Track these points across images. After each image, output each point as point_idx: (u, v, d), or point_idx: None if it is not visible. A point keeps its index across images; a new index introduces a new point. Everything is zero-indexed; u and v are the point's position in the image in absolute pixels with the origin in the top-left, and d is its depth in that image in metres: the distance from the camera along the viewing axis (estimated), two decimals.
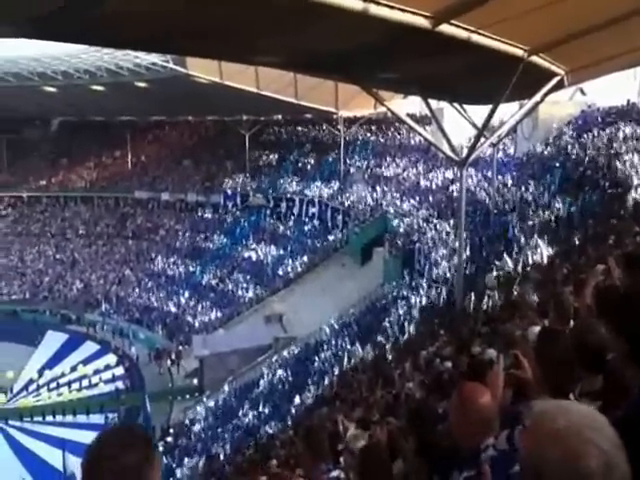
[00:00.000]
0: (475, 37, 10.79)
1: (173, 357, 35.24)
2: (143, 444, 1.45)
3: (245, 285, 39.89)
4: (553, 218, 19.70)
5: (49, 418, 30.16)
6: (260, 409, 23.34)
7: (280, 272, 38.83)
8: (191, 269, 44.65)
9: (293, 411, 20.54)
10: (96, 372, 34.77)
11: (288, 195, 43.41)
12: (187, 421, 27.61)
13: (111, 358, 36.99)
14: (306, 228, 41.31)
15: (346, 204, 38.38)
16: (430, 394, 7.06)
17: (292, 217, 42.70)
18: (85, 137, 57.11)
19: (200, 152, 52.60)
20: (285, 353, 28.19)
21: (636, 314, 2.28)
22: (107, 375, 34.51)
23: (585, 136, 24.95)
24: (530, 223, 20.16)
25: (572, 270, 10.27)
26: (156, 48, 19.15)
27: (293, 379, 24.56)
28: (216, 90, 34.80)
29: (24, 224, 55.18)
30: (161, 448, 23.36)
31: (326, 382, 21.12)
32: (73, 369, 35.08)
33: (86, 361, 36.09)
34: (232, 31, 10.14)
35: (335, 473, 4.77)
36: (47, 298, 48.19)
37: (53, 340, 39.57)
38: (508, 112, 19.69)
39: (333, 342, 25.08)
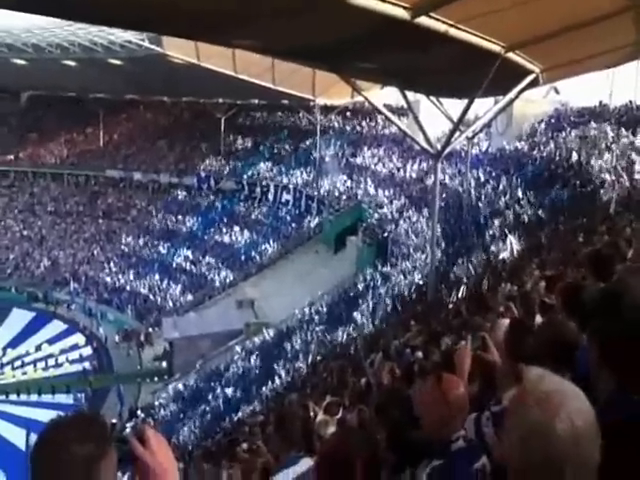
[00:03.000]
0: (453, 31, 10.90)
1: (142, 339, 35.01)
2: (98, 436, 1.33)
3: (217, 269, 39.75)
4: (524, 214, 20.04)
5: (13, 397, 29.76)
6: (230, 394, 23.39)
7: (253, 257, 38.76)
8: (163, 251, 44.27)
9: (263, 397, 20.63)
10: (63, 352, 34.32)
11: (263, 181, 43.24)
12: (155, 404, 27.52)
13: (79, 338, 36.57)
14: (280, 214, 41.25)
15: (321, 192, 38.41)
16: (400, 383, 7.20)
17: (266, 203, 42.57)
18: (56, 112, 55.91)
19: (175, 133, 51.96)
20: (256, 339, 28.24)
21: (606, 314, 2.38)
22: (74, 355, 34.12)
23: (558, 134, 25.36)
24: (501, 218, 20.48)
25: (541, 266, 10.52)
26: (133, 27, 18.86)
27: (264, 365, 24.64)
28: (192, 71, 34.31)
29: None
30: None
31: (297, 369, 21.25)
32: (38, 348, 34.57)
33: (52, 340, 35.62)
34: (211, 14, 10.07)
35: (304, 461, 4.84)
36: (13, 275, 47.34)
37: (18, 318, 38.85)
38: (484, 107, 19.88)
39: (305, 329, 25.20)
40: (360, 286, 26.18)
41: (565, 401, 1.24)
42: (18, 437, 23.46)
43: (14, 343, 35.36)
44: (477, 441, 2.61)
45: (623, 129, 21.88)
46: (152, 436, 1.40)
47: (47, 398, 29.24)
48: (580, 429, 1.21)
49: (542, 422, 1.21)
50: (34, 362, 33.39)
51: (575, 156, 21.46)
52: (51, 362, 33.44)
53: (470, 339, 4.31)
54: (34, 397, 29.59)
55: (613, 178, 17.38)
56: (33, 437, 21.82)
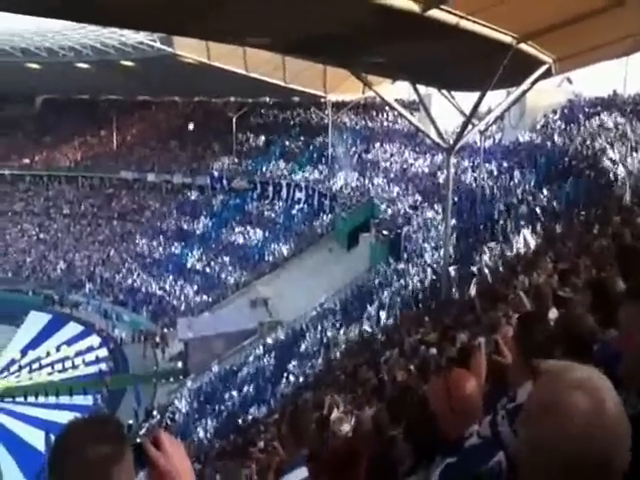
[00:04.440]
0: (464, 23, 10.78)
1: (157, 340, 35.17)
2: (114, 439, 1.33)
3: (231, 268, 39.82)
4: (538, 206, 19.82)
5: (31, 399, 30.01)
6: (245, 393, 23.40)
7: (266, 256, 38.78)
8: (176, 251, 44.44)
9: (278, 395, 20.62)
10: (79, 353, 34.59)
11: (275, 179, 43.24)
12: (171, 404, 27.62)
13: (95, 339, 36.82)
14: (293, 212, 41.22)
15: (333, 189, 38.33)
16: (415, 380, 7.12)
17: (279, 201, 42.56)
18: (70, 115, 56.32)
19: (187, 133, 52.12)
20: (270, 337, 28.23)
21: None
22: (90, 357, 34.35)
23: (571, 125, 25.06)
24: (515, 212, 20.27)
25: (555, 258, 10.37)
26: (144, 27, 18.92)
27: (278, 363, 24.63)
28: (204, 71, 34.41)
29: (6, 202, 54.44)
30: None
31: (311, 367, 21.21)
32: (56, 350, 34.87)
33: (69, 342, 35.90)
34: (221, 11, 10.04)
35: None
36: (30, 278, 47.78)
37: (36, 320, 39.26)
38: (496, 100, 19.67)
39: (319, 327, 25.15)
40: (373, 283, 26.08)
41: (606, 387, 1.11)
42: (37, 439, 23.67)
43: (32, 345, 35.70)
44: (492, 438, 2.54)
45: (636, 118, 21.56)
46: (167, 440, 1.39)
47: (65, 400, 29.47)
48: (625, 420, 1.09)
49: (589, 410, 1.07)
50: (51, 364, 33.69)
51: (589, 147, 21.18)
52: (68, 364, 33.70)
53: (484, 344, 4.25)
54: (52, 399, 29.81)
55: (628, 169, 17.11)
56: (52, 439, 22.05)
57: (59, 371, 33.16)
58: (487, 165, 26.35)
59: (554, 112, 27.78)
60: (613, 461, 1.07)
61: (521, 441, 1.17)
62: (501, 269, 14.98)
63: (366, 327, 20.93)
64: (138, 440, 1.37)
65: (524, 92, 17.99)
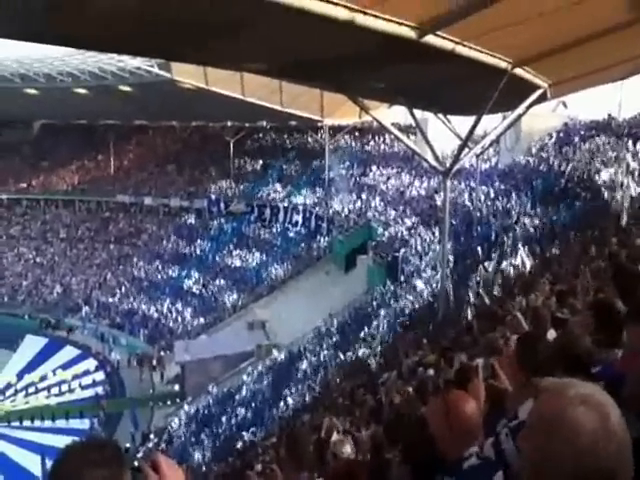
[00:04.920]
0: (460, 48, 10.93)
1: (154, 363, 34.94)
2: (112, 462, 1.32)
3: (228, 291, 39.74)
4: (534, 228, 19.92)
5: (27, 423, 29.73)
6: (242, 415, 23.22)
7: (264, 279, 38.74)
8: (174, 274, 44.36)
9: (276, 418, 20.47)
10: (76, 377, 34.35)
11: (272, 202, 43.39)
12: (168, 427, 27.38)
13: (91, 363, 36.58)
14: (290, 235, 41.29)
15: (330, 212, 38.46)
16: (413, 401, 7.11)
17: (276, 224, 42.66)
18: (67, 140, 56.55)
19: (184, 157, 52.38)
20: (268, 360, 28.09)
21: None
22: (87, 380, 34.13)
23: (567, 148, 25.30)
24: (512, 234, 20.36)
25: (552, 280, 10.41)
26: (140, 51, 19.12)
27: (276, 386, 24.49)
28: (201, 96, 34.71)
29: (3, 226, 54.43)
30: (141, 454, 23.13)
31: (309, 389, 21.08)
32: (52, 374, 34.61)
33: (65, 366, 35.65)
34: (218, 36, 10.18)
35: None
36: (26, 302, 47.55)
37: (32, 344, 39.01)
38: (492, 123, 19.88)
39: (316, 349, 25.06)
40: (371, 305, 26.05)
41: (610, 403, 1.12)
42: (33, 463, 23.44)
43: (28, 369, 35.44)
44: (491, 458, 2.54)
45: (631, 141, 21.78)
46: (165, 463, 1.40)
47: (61, 424, 29.21)
48: (628, 436, 1.10)
49: (596, 425, 1.07)
50: (48, 388, 33.41)
51: (585, 169, 21.36)
52: (64, 388, 33.44)
53: (481, 369, 4.28)
54: (48, 423, 29.57)
55: (624, 191, 17.25)
56: (49, 463, 21.80)
57: (55, 395, 32.87)
58: (483, 188, 26.53)
59: (550, 136, 28.06)
60: (618, 476, 1.08)
61: (525, 458, 1.17)
62: (498, 291, 15.00)
63: (364, 349, 20.88)
64: (136, 464, 1.37)
65: (519, 116, 18.19)
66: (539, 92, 15.48)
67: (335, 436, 6.63)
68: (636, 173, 18.38)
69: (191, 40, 10.41)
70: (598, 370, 2.81)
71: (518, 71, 13.31)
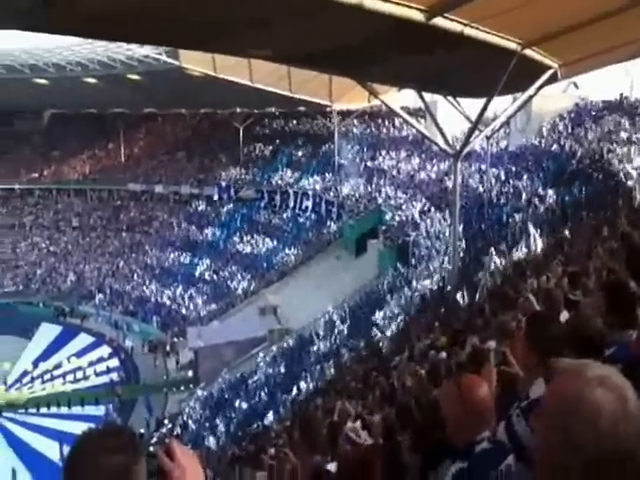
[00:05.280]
0: (469, 30, 10.83)
1: (168, 349, 35.27)
2: (128, 449, 1.32)
3: (239, 277, 39.92)
4: (546, 210, 19.82)
5: (44, 410, 30.16)
6: (255, 400, 23.42)
7: (275, 264, 38.87)
8: (185, 261, 44.60)
9: (288, 402, 20.63)
10: (90, 364, 34.73)
11: (282, 187, 43.39)
12: (182, 413, 27.69)
13: (105, 350, 36.97)
14: (300, 220, 41.32)
15: (340, 196, 38.42)
16: (426, 385, 7.15)
17: (286, 209, 42.69)
18: (78, 129, 56.72)
19: (194, 145, 52.43)
20: (280, 345, 28.26)
21: None
22: (101, 367, 34.47)
23: (578, 129, 25.06)
24: (523, 215, 20.27)
25: (564, 261, 10.38)
26: (149, 41, 19.12)
27: (288, 371, 24.66)
28: (210, 83, 34.67)
29: (16, 216, 54.91)
30: (155, 439, 23.42)
31: (321, 373, 21.21)
32: (67, 361, 35.04)
33: (80, 353, 36.05)
34: (226, 24, 10.15)
35: (330, 466, 4.82)
36: (40, 290, 48.08)
37: (47, 332, 39.51)
38: (502, 105, 19.72)
39: (328, 333, 25.17)
40: (382, 289, 26.08)
41: (626, 385, 1.10)
42: (51, 449, 23.77)
43: (43, 357, 35.90)
44: (503, 442, 2.54)
45: None
46: (179, 449, 1.40)
47: (77, 410, 29.60)
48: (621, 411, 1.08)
49: (615, 407, 1.06)
50: (63, 375, 33.83)
51: (596, 150, 21.17)
52: (79, 375, 33.84)
53: (493, 354, 4.30)
54: (64, 409, 29.96)
55: (636, 171, 17.10)
56: (66, 449, 22.11)
57: (71, 382, 33.27)
58: (494, 170, 26.37)
59: (561, 117, 27.79)
60: (636, 458, 1.06)
61: (540, 438, 1.16)
62: (510, 272, 14.97)
63: (375, 333, 20.95)
64: (151, 450, 1.38)
65: (530, 97, 18.04)
66: (549, 73, 15.32)
67: (350, 424, 6.68)
68: None
69: (199, 27, 10.39)
70: (612, 352, 2.80)
71: (528, 52, 13.17)
